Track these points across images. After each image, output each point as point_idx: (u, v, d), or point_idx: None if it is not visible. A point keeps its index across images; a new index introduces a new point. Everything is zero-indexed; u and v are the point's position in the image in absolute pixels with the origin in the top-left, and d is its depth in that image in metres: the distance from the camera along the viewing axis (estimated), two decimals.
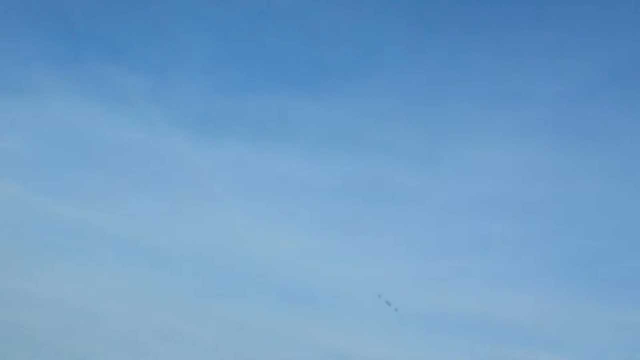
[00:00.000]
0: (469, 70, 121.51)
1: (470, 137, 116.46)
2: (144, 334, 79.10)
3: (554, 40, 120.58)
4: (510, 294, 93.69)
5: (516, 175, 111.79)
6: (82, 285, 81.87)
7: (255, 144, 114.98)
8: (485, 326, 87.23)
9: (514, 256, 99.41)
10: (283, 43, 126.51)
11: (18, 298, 76.47)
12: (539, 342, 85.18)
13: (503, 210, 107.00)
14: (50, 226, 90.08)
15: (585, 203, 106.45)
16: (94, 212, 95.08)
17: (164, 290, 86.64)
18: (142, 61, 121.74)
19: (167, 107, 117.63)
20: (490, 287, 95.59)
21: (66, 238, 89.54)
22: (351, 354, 78.53)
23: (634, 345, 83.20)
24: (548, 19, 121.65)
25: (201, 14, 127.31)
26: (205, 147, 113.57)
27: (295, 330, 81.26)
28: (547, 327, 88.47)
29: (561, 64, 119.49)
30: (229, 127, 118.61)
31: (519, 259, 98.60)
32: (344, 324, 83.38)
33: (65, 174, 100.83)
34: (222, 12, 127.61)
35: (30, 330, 73.58)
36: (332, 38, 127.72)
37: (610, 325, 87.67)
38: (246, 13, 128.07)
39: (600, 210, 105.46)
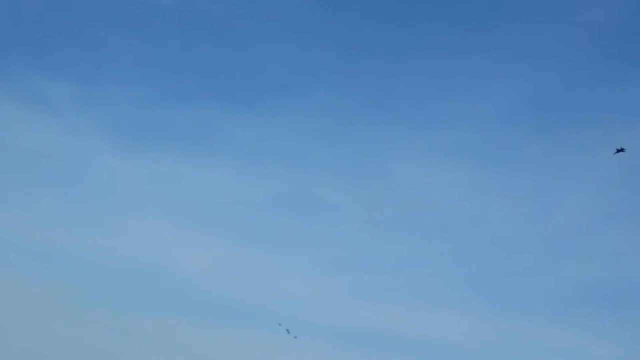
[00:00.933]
0: (398, 92, 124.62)
1: (396, 156, 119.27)
2: (60, 347, 77.59)
3: (478, 64, 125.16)
4: (431, 310, 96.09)
5: (439, 194, 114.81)
6: (1, 297, 79.84)
7: (183, 156, 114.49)
8: (405, 342, 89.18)
9: (435, 274, 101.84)
10: (217, 55, 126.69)
11: None
12: (455, 357, 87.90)
13: (425, 228, 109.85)
14: None
15: (502, 222, 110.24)
16: (8, 219, 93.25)
17: (82, 303, 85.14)
18: (70, 68, 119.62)
19: (94, 115, 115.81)
20: (410, 303, 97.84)
21: None
22: None
23: None
24: (473, 44, 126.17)
25: (133, 22, 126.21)
26: (131, 157, 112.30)
27: (214, 344, 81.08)
28: (464, 343, 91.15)
29: (484, 89, 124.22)
30: (157, 137, 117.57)
31: (440, 276, 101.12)
32: (260, 337, 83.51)
33: None
34: (155, 21, 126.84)
35: None
36: (268, 54, 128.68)
37: (524, 340, 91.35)
38: (180, 23, 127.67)
39: (518, 228, 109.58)
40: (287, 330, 62.64)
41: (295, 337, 63.02)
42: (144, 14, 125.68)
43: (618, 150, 61.57)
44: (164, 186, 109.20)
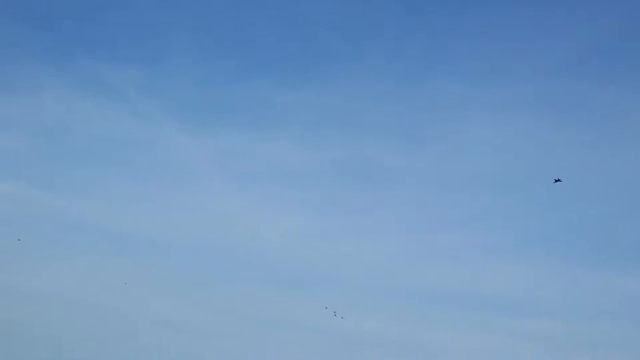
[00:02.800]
0: (454, 51, 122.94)
1: (456, 115, 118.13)
2: (144, 323, 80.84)
3: (537, 18, 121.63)
4: (502, 267, 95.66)
5: (502, 150, 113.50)
6: (81, 279, 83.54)
7: (246, 132, 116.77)
8: (477, 300, 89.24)
9: (504, 230, 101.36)
10: (270, 31, 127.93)
11: (18, 294, 78.18)
12: (533, 311, 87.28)
13: (490, 185, 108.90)
14: (48, 221, 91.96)
15: (570, 174, 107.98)
16: (90, 205, 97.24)
17: (162, 280, 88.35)
18: (133, 55, 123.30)
19: (159, 99, 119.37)
20: (481, 261, 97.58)
21: (64, 232, 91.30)
22: (348, 331, 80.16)
23: (627, 310, 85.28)
24: None
25: (188, 6, 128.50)
26: (197, 136, 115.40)
27: (293, 313, 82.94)
28: (541, 295, 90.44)
29: (544, 41, 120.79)
30: (220, 116, 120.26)
31: (509, 232, 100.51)
32: (340, 302, 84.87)
33: (62, 169, 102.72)
34: (209, 3, 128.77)
35: (31, 326, 75.39)
36: (319, 24, 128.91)
37: (604, 291, 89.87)
38: (232, 3, 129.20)
39: (587, 179, 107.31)
40: (334, 312, 63.50)
41: (342, 318, 63.90)
42: None
43: (556, 181, 61.24)
44: (231, 162, 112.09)
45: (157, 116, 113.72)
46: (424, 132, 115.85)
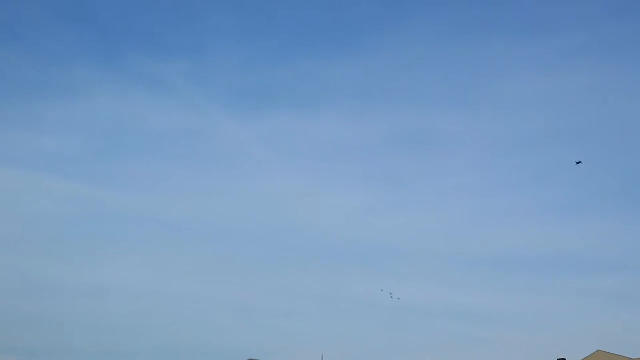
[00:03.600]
0: (497, 7, 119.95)
1: (508, 73, 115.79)
2: (213, 308, 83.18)
3: None
4: (566, 224, 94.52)
5: (555, 106, 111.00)
6: (150, 270, 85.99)
7: (294, 110, 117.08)
8: (547, 258, 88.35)
9: (566, 187, 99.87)
10: (307, 9, 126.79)
11: (92, 291, 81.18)
12: (595, 268, 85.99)
13: (548, 143, 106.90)
14: (115, 219, 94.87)
15: (630, 123, 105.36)
16: (152, 199, 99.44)
17: (228, 265, 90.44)
18: (176, 47, 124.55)
19: (206, 87, 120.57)
20: (544, 220, 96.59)
21: (130, 228, 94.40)
22: (416, 301, 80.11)
23: None
24: None
25: None
26: (248, 121, 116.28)
27: (357, 288, 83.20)
28: (605, 252, 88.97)
29: None
30: (266, 97, 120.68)
31: (573, 188, 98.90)
32: (404, 274, 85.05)
33: (121, 167, 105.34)
34: None
35: (107, 318, 78.54)
36: None
37: None
38: None
39: None
40: (390, 294, 63.98)
41: (399, 299, 64.31)
42: None
43: (578, 163, 59.91)
44: (283, 142, 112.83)
45: (206, 104, 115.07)
46: (477, 94, 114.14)
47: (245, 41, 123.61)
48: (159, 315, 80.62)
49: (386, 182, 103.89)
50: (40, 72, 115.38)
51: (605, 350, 55.65)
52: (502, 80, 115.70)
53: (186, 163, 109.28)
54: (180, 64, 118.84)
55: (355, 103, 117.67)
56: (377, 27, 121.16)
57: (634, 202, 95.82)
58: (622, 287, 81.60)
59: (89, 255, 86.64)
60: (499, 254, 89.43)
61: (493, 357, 75.30)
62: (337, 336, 77.44)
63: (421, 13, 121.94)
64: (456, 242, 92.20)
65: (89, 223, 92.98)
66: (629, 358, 55.06)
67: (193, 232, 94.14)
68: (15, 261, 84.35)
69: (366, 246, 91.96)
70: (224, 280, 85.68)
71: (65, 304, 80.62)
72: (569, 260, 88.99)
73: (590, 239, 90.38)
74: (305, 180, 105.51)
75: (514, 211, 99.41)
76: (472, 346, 76.35)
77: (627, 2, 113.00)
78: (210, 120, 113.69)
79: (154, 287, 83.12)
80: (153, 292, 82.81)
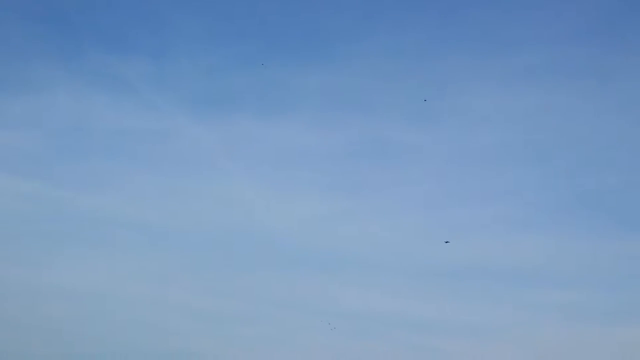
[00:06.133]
0: (463, 23, 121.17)
1: (469, 88, 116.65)
2: (167, 311, 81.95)
3: None
4: (524, 239, 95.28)
5: (515, 121, 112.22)
6: (102, 272, 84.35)
7: (258, 117, 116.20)
8: (502, 273, 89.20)
9: (524, 202, 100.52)
10: (276, 13, 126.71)
11: (40, 290, 79.50)
12: (554, 283, 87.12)
13: (506, 157, 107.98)
14: (70, 218, 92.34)
15: (590, 141, 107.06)
16: (109, 199, 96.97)
17: (185, 269, 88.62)
18: (140, 47, 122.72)
19: (169, 89, 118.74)
20: (503, 235, 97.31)
21: (85, 228, 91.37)
22: (369, 312, 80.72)
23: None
24: None
25: None
26: (210, 125, 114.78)
27: (314, 297, 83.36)
28: (562, 267, 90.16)
29: (553, 9, 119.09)
30: (231, 102, 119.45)
31: (530, 204, 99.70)
32: (360, 284, 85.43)
33: (79, 165, 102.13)
34: None
35: (52, 320, 76.83)
36: (326, 3, 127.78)
37: (621, 259, 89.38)
38: None
39: (608, 146, 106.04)
40: (329, 324, 64.41)
41: (335, 328, 64.88)
42: None
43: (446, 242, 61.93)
44: (244, 149, 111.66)
45: (168, 107, 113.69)
46: (439, 107, 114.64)
47: (213, 45, 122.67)
48: (109, 317, 79.50)
49: (346, 191, 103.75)
50: None
51: None
52: (464, 96, 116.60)
53: (146, 165, 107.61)
54: (144, 65, 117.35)
55: (320, 111, 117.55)
56: (345, 37, 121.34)
57: (589, 218, 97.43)
58: (575, 301, 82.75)
59: (42, 256, 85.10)
60: (455, 265, 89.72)
61: None
62: (292, 344, 77.15)
63: (387, 25, 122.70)
64: (412, 252, 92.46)
65: (43, 222, 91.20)
66: None
67: (150, 235, 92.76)
68: None
69: (324, 254, 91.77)
70: (180, 284, 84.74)
71: (11, 305, 79.11)
72: (524, 273, 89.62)
73: (545, 253, 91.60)
74: (267, 186, 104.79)
75: (472, 223, 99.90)
76: (425, 356, 76.68)
77: (582, 25, 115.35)
78: (172, 123, 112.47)
79: (106, 289, 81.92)
80: (105, 294, 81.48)
